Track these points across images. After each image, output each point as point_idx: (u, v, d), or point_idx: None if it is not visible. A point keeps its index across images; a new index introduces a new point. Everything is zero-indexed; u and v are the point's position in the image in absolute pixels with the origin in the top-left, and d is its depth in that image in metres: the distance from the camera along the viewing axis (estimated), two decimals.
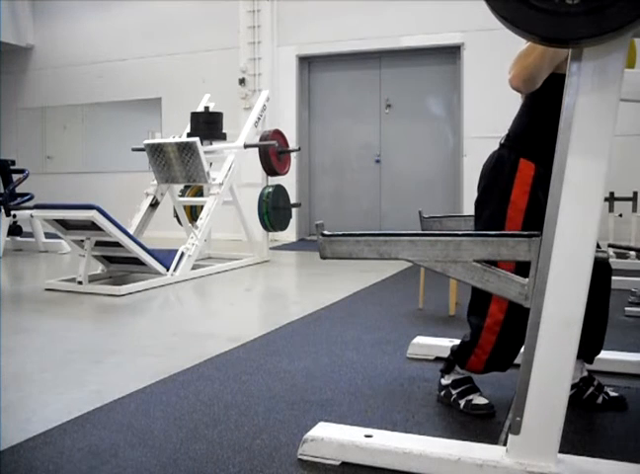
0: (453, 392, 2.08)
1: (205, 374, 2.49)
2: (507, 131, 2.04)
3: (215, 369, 2.56)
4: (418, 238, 1.66)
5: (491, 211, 1.97)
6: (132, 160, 7.88)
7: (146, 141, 5.60)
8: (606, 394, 2.11)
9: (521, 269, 1.66)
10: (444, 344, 2.71)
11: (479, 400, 2.03)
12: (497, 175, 1.97)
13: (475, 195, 2.03)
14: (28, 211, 6.06)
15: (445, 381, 2.13)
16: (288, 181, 7.04)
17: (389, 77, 7.96)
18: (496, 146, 2.04)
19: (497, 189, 1.96)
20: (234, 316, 3.79)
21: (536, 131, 1.94)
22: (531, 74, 1.78)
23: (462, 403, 2.04)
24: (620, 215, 6.01)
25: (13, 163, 7.11)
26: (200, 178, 5.40)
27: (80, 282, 4.42)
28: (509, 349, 1.96)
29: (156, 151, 5.47)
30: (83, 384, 2.39)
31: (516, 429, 1.53)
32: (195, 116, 6.03)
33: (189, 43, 8.64)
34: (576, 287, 1.48)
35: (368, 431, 1.77)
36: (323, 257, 1.78)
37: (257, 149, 5.89)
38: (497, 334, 1.92)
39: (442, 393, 2.14)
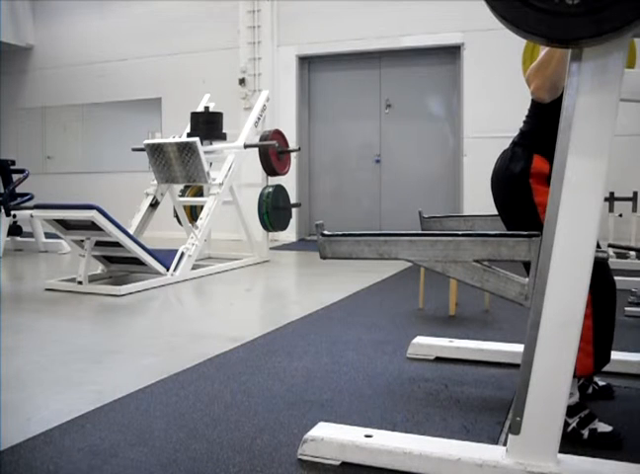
0: (570, 421, 1.81)
1: (205, 374, 2.49)
2: (519, 131, 2.02)
3: (215, 369, 2.56)
4: (418, 238, 1.66)
5: (518, 206, 1.91)
6: (132, 160, 7.88)
7: (146, 141, 5.60)
8: (596, 384, 2.14)
9: None
10: (444, 344, 2.71)
11: (605, 428, 1.80)
12: (514, 168, 1.92)
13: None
14: (28, 211, 6.05)
15: None
16: (288, 181, 7.05)
17: (389, 77, 7.96)
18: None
19: (516, 182, 1.91)
20: (234, 316, 3.79)
21: (548, 130, 1.92)
22: (554, 83, 1.77)
23: (586, 433, 1.80)
24: (620, 215, 6.01)
25: (13, 163, 7.10)
26: (200, 178, 5.40)
27: (80, 282, 4.42)
28: (608, 326, 1.85)
29: (156, 151, 5.47)
30: (83, 384, 2.39)
31: (516, 429, 1.53)
32: (195, 116, 6.02)
33: (189, 43, 8.64)
34: (576, 287, 1.47)
35: (368, 431, 1.76)
36: (323, 257, 1.78)
37: (257, 149, 5.89)
38: (591, 315, 1.78)
39: None
